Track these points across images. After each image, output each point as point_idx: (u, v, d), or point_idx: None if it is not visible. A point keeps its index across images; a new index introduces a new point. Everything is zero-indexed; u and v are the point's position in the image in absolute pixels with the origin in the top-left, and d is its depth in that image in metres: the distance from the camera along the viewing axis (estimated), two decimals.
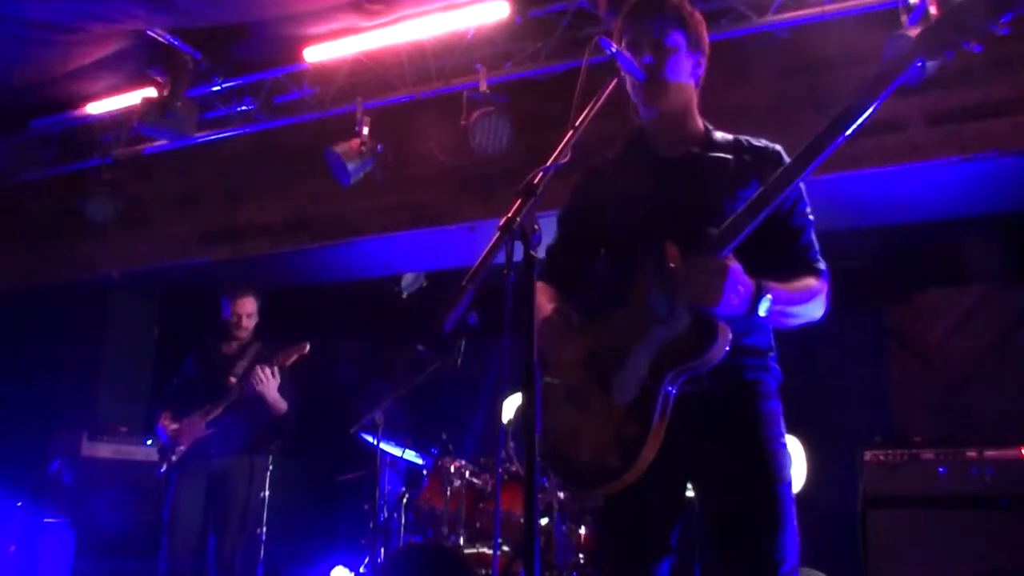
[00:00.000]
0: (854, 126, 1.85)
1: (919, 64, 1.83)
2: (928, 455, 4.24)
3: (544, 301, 2.27)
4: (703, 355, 1.93)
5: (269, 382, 4.68)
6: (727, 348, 1.93)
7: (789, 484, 2.03)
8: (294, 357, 4.79)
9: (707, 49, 2.25)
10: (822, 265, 2.15)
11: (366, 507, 4.93)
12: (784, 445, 2.09)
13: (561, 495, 4.30)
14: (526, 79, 5.06)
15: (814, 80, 4.40)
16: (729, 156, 2.18)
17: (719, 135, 2.26)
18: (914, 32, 3.97)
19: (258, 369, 4.69)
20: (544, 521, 4.26)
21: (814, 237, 2.18)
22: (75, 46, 5.21)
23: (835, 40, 4.40)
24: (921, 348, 5.61)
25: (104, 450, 6.27)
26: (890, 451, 4.31)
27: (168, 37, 5.17)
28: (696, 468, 2.10)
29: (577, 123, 1.87)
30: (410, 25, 5.04)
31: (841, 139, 1.86)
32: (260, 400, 4.73)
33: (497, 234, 1.70)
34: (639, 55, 2.12)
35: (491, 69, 5.03)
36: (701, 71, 2.23)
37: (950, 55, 1.81)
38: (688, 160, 2.20)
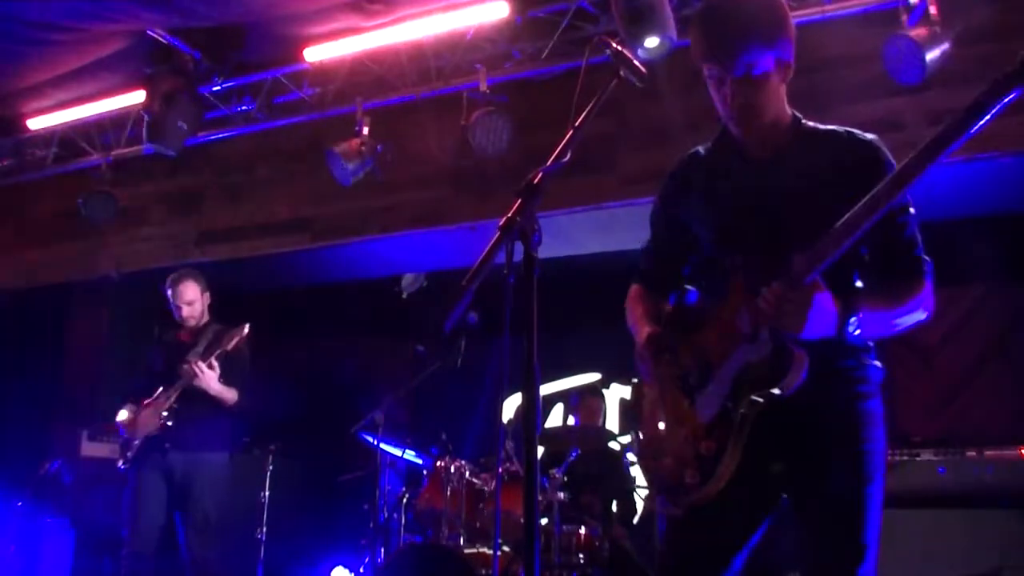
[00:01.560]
0: (948, 149, 1.75)
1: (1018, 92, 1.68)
2: (928, 455, 4.24)
3: (640, 317, 2.29)
4: (778, 384, 1.92)
5: (205, 375, 4.48)
6: (804, 376, 1.91)
7: (879, 484, 2.01)
8: (235, 341, 4.58)
9: (793, 37, 2.07)
10: (925, 264, 2.05)
11: (366, 507, 4.93)
12: (878, 444, 2.04)
13: (561, 495, 4.31)
14: (526, 79, 5.07)
15: (814, 80, 4.40)
16: (823, 157, 2.07)
17: (810, 127, 2.16)
18: (915, 32, 3.96)
19: (191, 364, 4.50)
20: (544, 521, 4.26)
21: (917, 232, 2.05)
22: (75, 46, 5.21)
23: (835, 40, 4.40)
24: (921, 348, 5.61)
25: (104, 450, 6.26)
26: (890, 451, 4.31)
27: (168, 37, 5.17)
28: (789, 475, 2.05)
29: (577, 123, 1.87)
30: (410, 25, 5.04)
31: (933, 163, 1.76)
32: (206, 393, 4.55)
33: (497, 234, 1.70)
34: (726, 96, 2.05)
35: (491, 69, 5.03)
36: (790, 71, 2.10)
37: None
38: (776, 162, 2.12)
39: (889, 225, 1.97)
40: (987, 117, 1.72)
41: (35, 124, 6.26)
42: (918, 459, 4.24)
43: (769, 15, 2.04)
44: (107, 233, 6.65)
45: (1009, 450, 4.11)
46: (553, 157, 1.81)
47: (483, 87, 4.99)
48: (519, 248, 1.71)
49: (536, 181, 1.74)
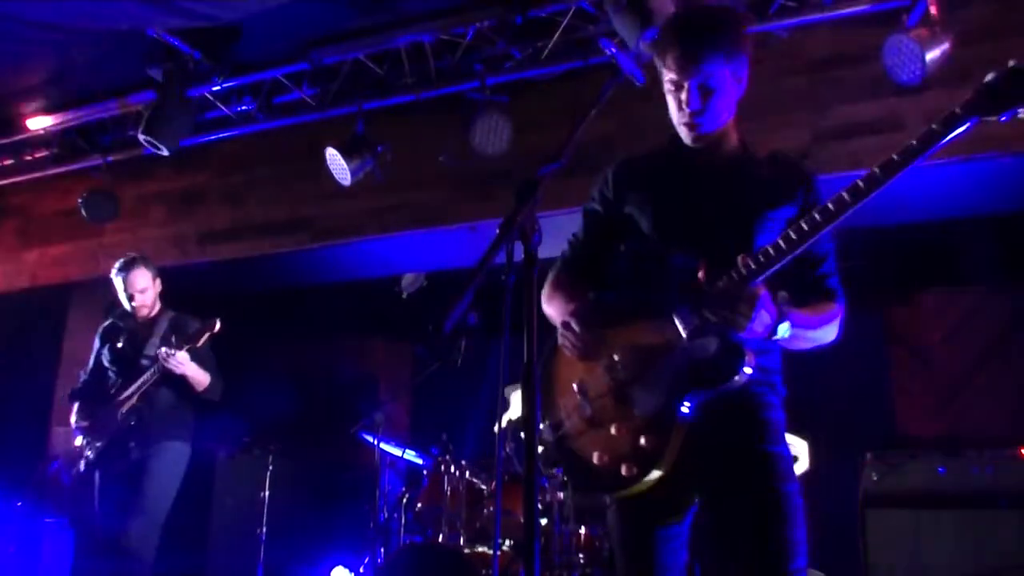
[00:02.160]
0: (899, 171, 1.88)
1: (974, 122, 1.82)
2: (928, 455, 4.25)
3: (565, 299, 2.32)
4: (728, 381, 1.99)
5: (185, 362, 4.32)
6: (751, 373, 1.99)
7: (795, 486, 2.07)
8: (205, 337, 4.42)
9: (750, 57, 2.17)
10: (839, 291, 2.21)
11: (366, 507, 4.94)
12: (786, 449, 2.14)
13: (561, 495, 4.31)
14: (526, 79, 5.06)
15: (814, 80, 4.40)
16: (764, 173, 2.20)
17: (754, 148, 2.28)
18: (915, 32, 3.96)
19: (168, 355, 4.31)
20: (544, 521, 4.26)
21: (835, 262, 2.23)
22: (75, 46, 5.21)
23: (835, 40, 4.39)
24: (921, 349, 5.61)
25: None
26: (890, 451, 4.32)
27: (168, 37, 5.16)
28: (702, 476, 2.12)
29: (577, 123, 1.88)
30: (410, 25, 5.03)
31: (883, 184, 1.90)
32: (183, 378, 4.42)
33: (497, 234, 1.71)
34: (682, 100, 2.13)
35: (491, 69, 5.03)
36: (743, 87, 2.19)
37: (1006, 117, 1.80)
38: (723, 172, 2.21)
39: (812, 251, 2.09)
40: (943, 143, 1.85)
41: (35, 124, 6.25)
42: (918, 459, 4.25)
43: (729, 32, 2.13)
44: (107, 233, 6.65)
45: (1009, 450, 4.11)
46: (553, 157, 1.81)
47: (483, 87, 4.99)
48: (519, 248, 1.72)
49: (536, 181, 1.75)
